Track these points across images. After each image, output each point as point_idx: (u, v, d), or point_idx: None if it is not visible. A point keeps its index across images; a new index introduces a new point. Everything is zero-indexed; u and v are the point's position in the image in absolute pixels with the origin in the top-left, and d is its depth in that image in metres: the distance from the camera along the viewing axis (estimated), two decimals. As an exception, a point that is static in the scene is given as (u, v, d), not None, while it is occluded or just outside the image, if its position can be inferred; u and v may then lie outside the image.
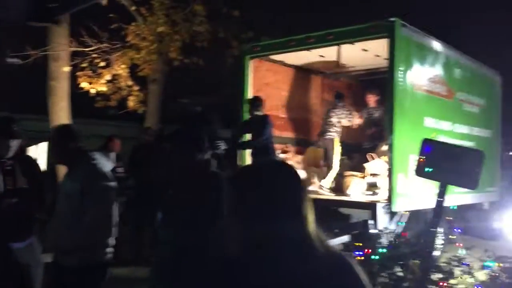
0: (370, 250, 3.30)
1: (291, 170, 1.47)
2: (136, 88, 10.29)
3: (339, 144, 7.61)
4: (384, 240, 3.67)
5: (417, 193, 6.52)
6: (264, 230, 1.32)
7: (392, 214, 6.44)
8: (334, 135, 7.60)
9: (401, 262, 3.18)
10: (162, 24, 9.75)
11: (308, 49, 7.43)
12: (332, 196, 7.16)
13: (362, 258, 3.25)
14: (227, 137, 5.90)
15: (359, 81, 9.72)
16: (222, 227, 1.50)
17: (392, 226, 5.95)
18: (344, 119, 7.73)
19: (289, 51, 7.57)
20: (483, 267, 3.16)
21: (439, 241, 5.64)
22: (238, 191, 1.39)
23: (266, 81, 8.31)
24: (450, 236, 6.19)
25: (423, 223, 6.23)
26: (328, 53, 7.87)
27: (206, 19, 10.17)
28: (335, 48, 7.52)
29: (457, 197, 7.48)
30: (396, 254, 3.30)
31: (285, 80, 8.73)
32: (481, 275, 3.24)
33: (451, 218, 6.92)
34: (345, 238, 5.35)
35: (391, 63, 6.45)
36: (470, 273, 3.19)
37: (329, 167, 7.53)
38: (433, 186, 6.42)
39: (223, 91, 13.16)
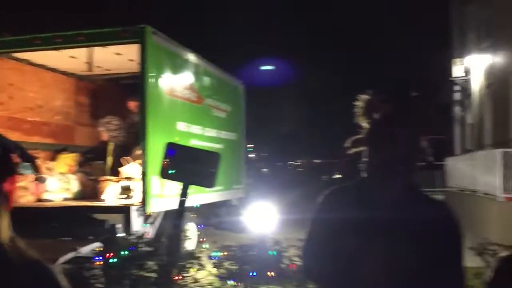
0: (111, 254, 3.34)
1: None
2: None
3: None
4: (128, 243, 3.76)
5: (171, 194, 6.84)
6: None
7: (147, 217, 6.61)
8: None
9: (139, 263, 3.31)
10: None
11: (56, 49, 7.04)
12: (84, 202, 6.96)
13: (101, 262, 3.27)
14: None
15: (120, 85, 9.64)
16: None
17: (142, 229, 6.11)
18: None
19: (35, 49, 7.05)
20: (211, 258, 3.53)
21: (188, 238, 6.02)
22: None
23: (10, 81, 7.57)
24: (197, 233, 6.66)
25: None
26: (80, 55, 7.61)
27: None
28: (86, 50, 7.32)
29: (207, 195, 8.12)
30: (137, 255, 3.41)
31: (32, 80, 8.08)
32: (209, 265, 3.61)
33: (195, 216, 7.45)
34: (96, 245, 5.26)
35: (142, 69, 6.60)
36: (201, 265, 3.51)
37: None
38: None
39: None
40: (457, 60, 16.01)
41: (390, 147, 1.94)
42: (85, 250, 5.26)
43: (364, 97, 2.04)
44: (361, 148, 2.02)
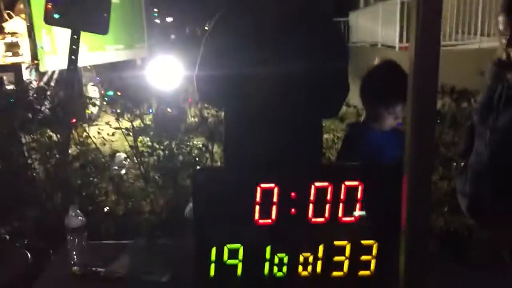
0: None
1: None
2: None
3: None
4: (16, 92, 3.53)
5: (65, 51, 6.38)
6: None
7: (42, 75, 6.22)
8: None
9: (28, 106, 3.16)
10: None
11: None
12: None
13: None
14: None
15: None
16: None
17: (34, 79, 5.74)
18: None
19: None
20: (105, 98, 3.44)
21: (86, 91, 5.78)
22: None
23: None
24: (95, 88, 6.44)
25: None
26: None
27: None
28: None
29: (107, 54, 7.72)
30: (26, 100, 3.24)
31: None
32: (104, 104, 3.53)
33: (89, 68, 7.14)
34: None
35: None
36: (93, 104, 3.43)
37: None
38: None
39: None
40: None
41: None
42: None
43: None
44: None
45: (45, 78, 6.17)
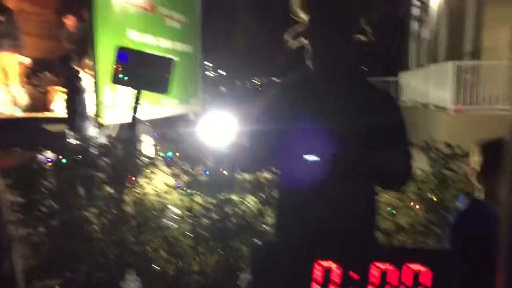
0: (61, 156, 3.31)
1: None
2: None
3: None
4: (80, 148, 3.71)
5: (126, 105, 6.70)
6: None
7: (101, 126, 6.51)
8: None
9: (91, 163, 3.30)
10: None
11: None
12: (34, 114, 6.78)
13: (50, 164, 3.24)
14: None
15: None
16: None
17: (97, 135, 6.02)
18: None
19: None
20: (164, 158, 3.56)
21: (142, 146, 6.00)
22: None
23: None
24: (153, 143, 6.66)
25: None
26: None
27: None
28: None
29: (163, 108, 8.03)
30: (88, 157, 3.39)
31: None
32: (163, 166, 3.65)
33: (150, 126, 7.41)
34: (48, 154, 5.17)
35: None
36: (154, 165, 3.54)
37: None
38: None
39: None
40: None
41: (333, 35, 1.91)
42: (37, 158, 5.18)
43: None
44: (302, 40, 1.98)
45: (106, 132, 6.46)
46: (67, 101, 6.25)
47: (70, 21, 8.12)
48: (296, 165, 1.97)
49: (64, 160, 3.19)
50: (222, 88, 31.85)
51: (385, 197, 2.96)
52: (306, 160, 1.91)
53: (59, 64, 5.51)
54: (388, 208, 2.95)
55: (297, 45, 2.05)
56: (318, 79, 2.03)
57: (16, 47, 7.04)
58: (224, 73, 31.43)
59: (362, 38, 2.02)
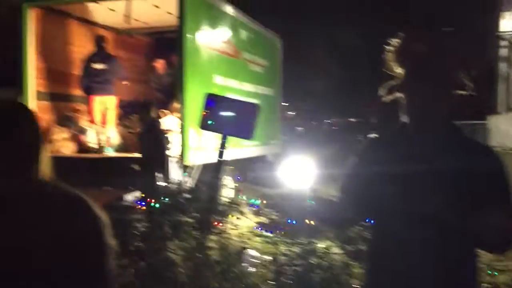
0: (153, 200, 3.43)
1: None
2: None
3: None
4: (168, 191, 3.85)
5: (209, 147, 6.92)
6: None
7: (185, 168, 6.74)
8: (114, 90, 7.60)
9: (180, 208, 3.39)
10: None
11: (95, 1, 7.06)
12: (124, 154, 7.15)
13: (144, 208, 3.37)
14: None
15: (154, 39, 9.70)
16: None
17: (181, 178, 6.23)
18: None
19: (74, 1, 7.09)
20: (250, 205, 3.58)
21: (225, 188, 6.13)
22: None
23: (52, 34, 7.68)
24: (235, 184, 6.75)
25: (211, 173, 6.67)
26: (119, 7, 7.61)
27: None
28: (125, 2, 7.30)
29: (244, 150, 8.17)
30: (177, 202, 3.49)
31: (73, 34, 8.17)
32: (249, 213, 3.67)
33: (232, 169, 7.53)
34: (137, 194, 5.42)
35: (181, 21, 6.56)
36: (240, 212, 3.58)
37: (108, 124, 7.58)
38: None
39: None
40: (506, 14, 15.20)
41: (428, 90, 1.87)
42: (127, 198, 5.44)
43: (395, 40, 1.95)
44: (397, 95, 1.95)
45: (194, 174, 6.65)
46: (145, 143, 6.42)
47: (159, 65, 8.60)
48: (392, 219, 1.92)
49: (157, 205, 3.32)
50: (299, 128, 31.99)
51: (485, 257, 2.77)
52: (402, 215, 1.86)
53: (140, 109, 5.84)
54: (488, 271, 2.75)
55: (391, 98, 2.03)
56: (414, 133, 1.99)
57: (115, 91, 7.60)
58: (300, 112, 31.62)
59: (461, 92, 1.97)
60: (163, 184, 4.77)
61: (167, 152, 6.81)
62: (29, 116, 1.40)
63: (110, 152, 7.39)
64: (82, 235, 1.30)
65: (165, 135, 6.18)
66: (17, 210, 1.29)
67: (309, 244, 3.15)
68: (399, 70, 1.93)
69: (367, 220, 2.23)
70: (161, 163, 6.27)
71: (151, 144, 5.66)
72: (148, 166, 5.92)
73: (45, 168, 1.35)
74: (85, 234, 1.31)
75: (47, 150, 1.37)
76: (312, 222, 3.12)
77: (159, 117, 7.23)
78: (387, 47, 1.91)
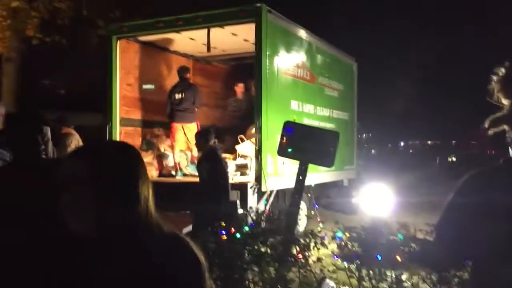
0: (234, 230, 3.43)
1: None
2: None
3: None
4: (249, 219, 3.83)
5: (285, 173, 6.88)
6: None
7: (262, 194, 6.72)
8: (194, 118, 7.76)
9: (262, 239, 3.35)
10: (16, -2, 8.94)
11: (177, 31, 7.35)
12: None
13: (225, 237, 3.36)
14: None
15: (231, 66, 9.92)
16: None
17: (260, 206, 6.20)
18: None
19: (158, 32, 7.43)
20: (334, 238, 3.47)
21: (301, 216, 6.03)
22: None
23: (136, 63, 8.08)
24: (311, 212, 6.63)
25: (288, 201, 6.59)
26: (198, 37, 7.86)
27: (68, -4, 9.56)
28: (205, 31, 7.53)
29: (320, 175, 8.05)
30: (258, 232, 3.46)
31: (156, 63, 8.55)
32: (332, 245, 3.55)
33: (310, 195, 7.41)
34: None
35: (258, 48, 6.66)
36: (323, 244, 3.47)
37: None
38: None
39: (88, 73, 12.50)
40: None
41: None
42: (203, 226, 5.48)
43: (503, 69, 1.81)
44: (503, 127, 1.81)
45: (271, 201, 6.61)
46: (202, 171, 6.23)
47: (239, 89, 8.74)
48: (506, 261, 1.76)
49: (238, 235, 3.30)
50: (374, 151, 31.26)
51: None
52: None
53: (198, 137, 5.89)
54: None
55: (496, 131, 1.89)
56: None
57: (195, 118, 7.82)
58: (375, 135, 30.95)
59: None
60: (241, 211, 4.76)
61: (244, 178, 6.84)
62: (137, 154, 1.43)
63: (187, 177, 7.54)
64: (184, 280, 1.30)
65: (224, 162, 6.11)
66: (121, 253, 1.30)
67: (398, 282, 2.98)
68: (506, 102, 1.79)
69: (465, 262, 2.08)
70: (219, 191, 5.95)
71: (206, 172, 5.61)
72: (206, 192, 5.70)
73: (150, 204, 1.36)
74: (187, 279, 1.31)
75: (151, 187, 1.39)
76: (399, 258, 2.96)
77: (215, 143, 7.06)
78: (493, 76, 1.78)
